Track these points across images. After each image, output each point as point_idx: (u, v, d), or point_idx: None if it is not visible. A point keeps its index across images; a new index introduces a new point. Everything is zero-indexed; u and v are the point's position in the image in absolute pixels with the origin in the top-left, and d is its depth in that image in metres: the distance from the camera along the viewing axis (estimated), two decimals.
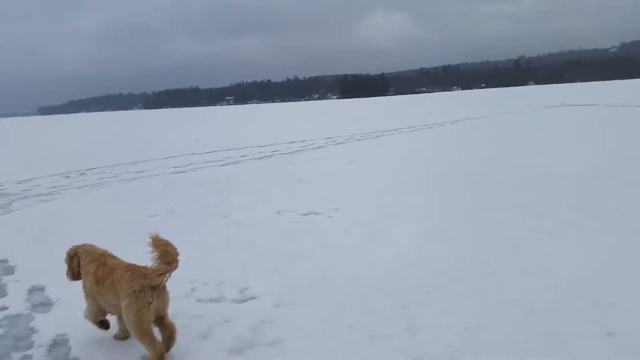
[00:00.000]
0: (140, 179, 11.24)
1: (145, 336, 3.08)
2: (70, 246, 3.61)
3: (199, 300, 4.24)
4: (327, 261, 5.05)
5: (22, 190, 10.39)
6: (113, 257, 3.46)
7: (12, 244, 6.21)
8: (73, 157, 17.15)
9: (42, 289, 4.62)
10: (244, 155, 14.84)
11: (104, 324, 3.59)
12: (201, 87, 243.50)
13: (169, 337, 3.26)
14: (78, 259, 3.49)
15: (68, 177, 12.21)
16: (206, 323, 3.79)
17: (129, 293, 3.04)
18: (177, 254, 3.07)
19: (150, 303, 3.02)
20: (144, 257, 3.15)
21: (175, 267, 3.07)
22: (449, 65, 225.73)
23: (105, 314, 3.50)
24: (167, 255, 3.03)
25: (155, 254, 3.03)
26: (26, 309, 4.21)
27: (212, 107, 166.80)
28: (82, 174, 12.66)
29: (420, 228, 6.03)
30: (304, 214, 7.03)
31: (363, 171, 10.81)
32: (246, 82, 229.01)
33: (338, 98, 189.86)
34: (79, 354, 3.44)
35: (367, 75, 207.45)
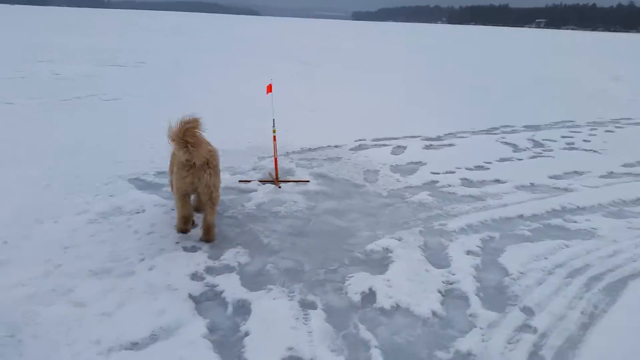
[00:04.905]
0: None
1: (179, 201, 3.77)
2: None
3: None
4: None
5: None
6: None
7: None
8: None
9: None
10: None
11: None
12: (511, 5, 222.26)
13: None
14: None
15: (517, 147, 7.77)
16: None
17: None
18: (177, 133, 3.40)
19: (185, 177, 3.57)
20: None
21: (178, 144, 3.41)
22: None
23: None
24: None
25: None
26: None
27: (519, 28, 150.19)
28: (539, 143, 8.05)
29: None
30: None
31: None
32: (565, 5, 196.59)
33: None
34: None
35: None
